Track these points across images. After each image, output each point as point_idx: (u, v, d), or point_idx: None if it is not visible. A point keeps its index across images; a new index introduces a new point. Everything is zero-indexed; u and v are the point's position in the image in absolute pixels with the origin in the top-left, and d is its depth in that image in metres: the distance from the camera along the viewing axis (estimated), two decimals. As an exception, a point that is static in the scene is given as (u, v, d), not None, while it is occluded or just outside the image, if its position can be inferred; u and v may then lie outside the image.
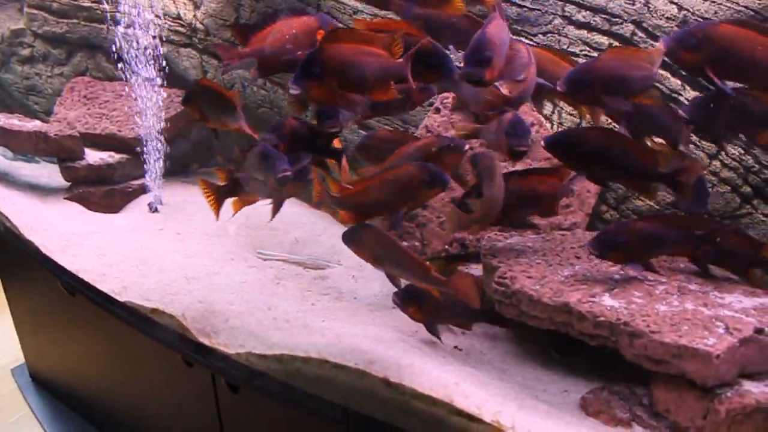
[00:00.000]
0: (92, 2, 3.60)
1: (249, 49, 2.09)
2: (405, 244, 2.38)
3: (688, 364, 1.64)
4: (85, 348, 3.13)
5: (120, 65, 3.08)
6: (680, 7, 2.35)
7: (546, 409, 1.82)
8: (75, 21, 3.68)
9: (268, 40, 2.06)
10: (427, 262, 1.99)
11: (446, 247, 2.39)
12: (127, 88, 3.22)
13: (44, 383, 3.69)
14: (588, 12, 2.51)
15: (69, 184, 3.34)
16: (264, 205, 2.24)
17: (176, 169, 3.49)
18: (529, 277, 1.98)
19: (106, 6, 3.45)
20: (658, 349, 1.69)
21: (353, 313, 2.32)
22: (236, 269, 2.65)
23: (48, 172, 3.62)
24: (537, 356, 2.13)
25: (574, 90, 1.94)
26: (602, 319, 1.79)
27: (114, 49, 3.08)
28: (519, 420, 1.70)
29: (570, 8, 2.54)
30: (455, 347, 2.13)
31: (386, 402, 1.83)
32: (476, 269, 2.35)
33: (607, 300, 1.86)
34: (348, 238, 2.04)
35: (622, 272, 2.04)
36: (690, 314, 1.77)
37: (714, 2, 2.29)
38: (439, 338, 2.12)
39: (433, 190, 1.92)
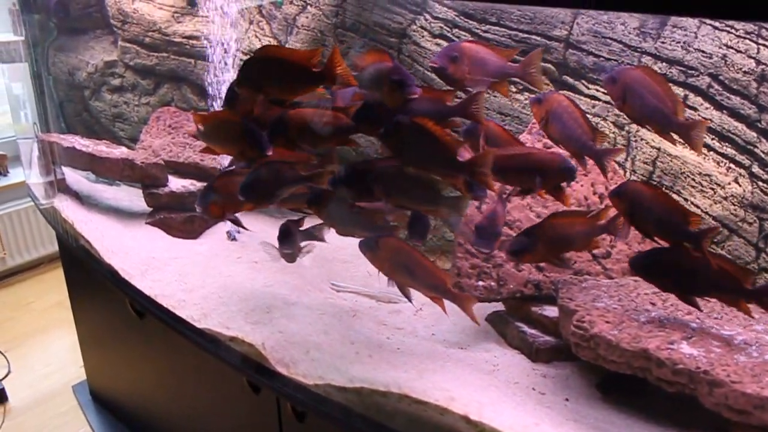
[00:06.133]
0: (182, 38, 3.81)
1: None
2: (481, 283, 2.45)
3: (770, 416, 1.68)
4: (148, 370, 3.23)
5: (210, 99, 3.26)
6: (758, 62, 2.41)
7: (622, 453, 1.87)
8: (165, 54, 3.90)
9: None
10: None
11: (521, 288, 2.45)
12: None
13: (104, 402, 3.80)
14: (664, 64, 2.58)
15: (150, 209, 3.47)
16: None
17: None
18: (608, 322, 2.03)
19: (195, 42, 3.66)
20: (739, 400, 1.72)
21: (429, 349, 2.38)
22: (313, 300, 2.73)
23: (129, 196, 3.79)
24: (609, 398, 2.17)
25: None
26: (681, 366, 1.83)
27: (207, 83, 3.26)
28: (598, 462, 1.75)
29: (646, 59, 2.61)
30: (532, 388, 2.18)
31: (465, 438, 1.89)
32: (549, 310, 2.42)
33: (686, 348, 1.90)
34: (365, 247, 2.13)
35: (698, 320, 2.08)
36: (771, 366, 1.80)
37: (793, 58, 2.35)
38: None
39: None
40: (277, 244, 2.54)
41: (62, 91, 4.25)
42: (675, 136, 2.06)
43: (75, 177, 3.84)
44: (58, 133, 3.85)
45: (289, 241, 2.53)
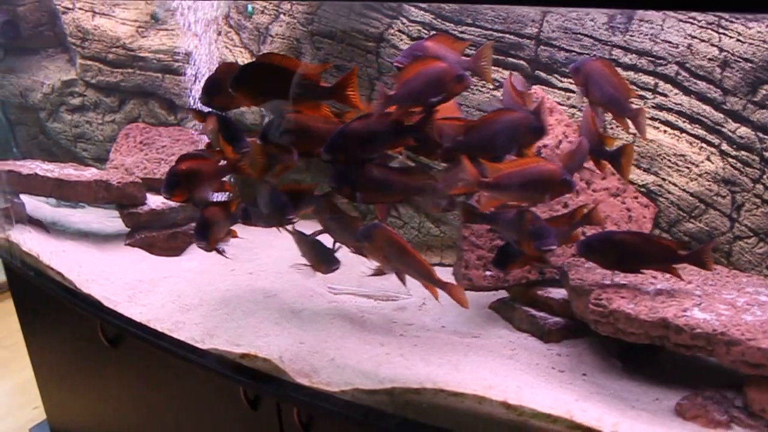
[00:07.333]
0: (148, 53, 3.73)
1: None
2: (488, 273, 2.56)
3: (785, 366, 1.86)
4: (122, 401, 3.11)
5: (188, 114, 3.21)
6: (721, 49, 2.62)
7: (648, 418, 2.00)
8: (130, 71, 3.80)
9: None
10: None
11: (526, 274, 2.57)
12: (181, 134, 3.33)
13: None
14: (634, 55, 2.76)
15: (125, 229, 3.38)
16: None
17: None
18: (623, 297, 2.18)
19: (162, 56, 3.57)
20: (755, 355, 1.88)
21: (446, 341, 2.44)
22: (319, 305, 2.75)
23: (97, 218, 3.67)
24: (621, 369, 2.31)
25: None
26: (699, 330, 1.99)
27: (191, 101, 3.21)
28: (635, 429, 1.87)
29: (617, 52, 2.79)
30: (552, 367, 2.29)
31: (503, 424, 1.96)
32: (555, 292, 2.55)
33: (698, 313, 2.06)
34: (363, 235, 2.24)
35: (699, 288, 2.26)
36: (776, 322, 2.00)
37: (752, 44, 2.57)
38: None
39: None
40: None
41: (14, 114, 4.06)
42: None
43: (35, 204, 3.68)
44: (13, 159, 3.68)
45: (334, 260, 2.59)
